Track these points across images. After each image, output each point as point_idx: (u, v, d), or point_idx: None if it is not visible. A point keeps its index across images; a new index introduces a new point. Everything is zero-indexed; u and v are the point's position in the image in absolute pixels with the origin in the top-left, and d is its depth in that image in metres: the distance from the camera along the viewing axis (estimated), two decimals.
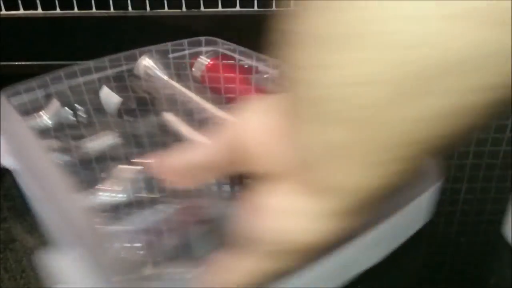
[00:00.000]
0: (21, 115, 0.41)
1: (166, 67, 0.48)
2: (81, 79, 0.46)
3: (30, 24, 0.72)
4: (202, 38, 0.50)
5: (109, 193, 0.36)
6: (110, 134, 0.42)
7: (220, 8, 0.71)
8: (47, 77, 0.44)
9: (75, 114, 0.44)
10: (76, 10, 0.71)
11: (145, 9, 0.72)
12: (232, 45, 0.51)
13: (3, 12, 0.71)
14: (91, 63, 0.46)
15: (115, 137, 0.42)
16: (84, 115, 0.45)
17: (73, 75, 0.46)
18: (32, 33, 0.72)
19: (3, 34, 0.71)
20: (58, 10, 0.71)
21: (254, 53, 0.48)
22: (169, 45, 0.48)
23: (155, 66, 0.47)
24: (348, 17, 0.14)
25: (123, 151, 0.41)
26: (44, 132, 0.43)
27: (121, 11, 0.72)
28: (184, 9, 0.72)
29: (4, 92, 0.43)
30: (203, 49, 0.50)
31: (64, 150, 0.41)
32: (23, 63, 0.69)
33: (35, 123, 0.44)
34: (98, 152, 0.41)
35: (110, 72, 0.46)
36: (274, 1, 0.71)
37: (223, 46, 0.51)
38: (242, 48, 0.49)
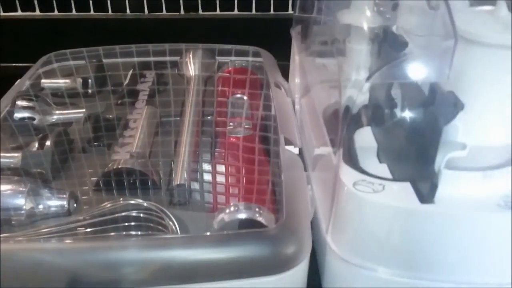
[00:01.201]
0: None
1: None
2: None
3: (28, 26, 0.72)
4: (250, 48, 0.51)
5: None
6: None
7: (218, 12, 0.72)
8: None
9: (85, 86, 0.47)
10: (74, 12, 0.71)
11: (143, 12, 0.72)
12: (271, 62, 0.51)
13: (1, 14, 0.71)
14: (133, 46, 0.49)
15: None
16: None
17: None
18: (30, 35, 0.72)
19: (1, 35, 0.71)
20: (56, 12, 0.71)
21: (283, 82, 0.49)
22: (216, 47, 0.51)
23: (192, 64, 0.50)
24: None
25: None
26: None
27: (119, 13, 0.72)
28: (182, 12, 0.72)
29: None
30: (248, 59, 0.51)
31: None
32: (21, 64, 0.69)
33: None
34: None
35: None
36: (272, 5, 0.72)
37: (266, 60, 0.52)
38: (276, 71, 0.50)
